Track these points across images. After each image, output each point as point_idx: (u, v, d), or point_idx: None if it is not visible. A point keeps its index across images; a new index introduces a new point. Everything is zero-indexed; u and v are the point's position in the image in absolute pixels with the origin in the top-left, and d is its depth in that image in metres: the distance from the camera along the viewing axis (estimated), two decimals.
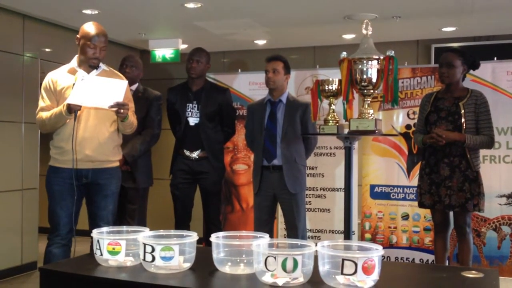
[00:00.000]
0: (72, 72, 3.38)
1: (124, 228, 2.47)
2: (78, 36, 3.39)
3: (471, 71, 3.96)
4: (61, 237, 3.36)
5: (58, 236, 3.36)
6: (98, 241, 2.26)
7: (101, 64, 3.45)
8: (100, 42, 3.34)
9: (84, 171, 3.35)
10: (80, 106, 3.19)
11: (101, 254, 2.25)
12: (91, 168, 3.36)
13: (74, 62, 3.44)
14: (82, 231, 3.55)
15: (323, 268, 1.96)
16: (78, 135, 3.28)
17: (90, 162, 3.35)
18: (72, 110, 3.17)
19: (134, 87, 4.26)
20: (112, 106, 3.22)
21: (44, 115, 3.32)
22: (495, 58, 4.76)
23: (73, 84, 3.19)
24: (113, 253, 2.24)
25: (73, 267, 2.30)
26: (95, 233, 2.31)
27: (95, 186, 3.41)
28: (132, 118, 3.43)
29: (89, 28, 3.36)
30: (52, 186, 3.37)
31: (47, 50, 5.51)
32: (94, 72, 3.38)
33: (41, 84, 5.41)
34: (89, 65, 3.37)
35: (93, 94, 3.17)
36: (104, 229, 2.42)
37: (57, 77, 3.37)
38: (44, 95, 3.37)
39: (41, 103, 3.38)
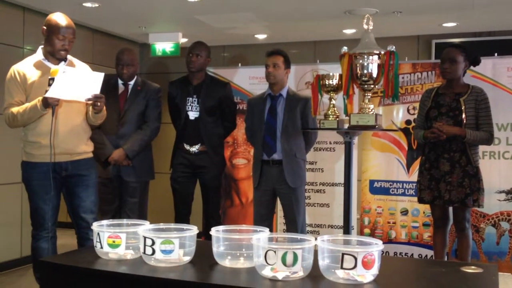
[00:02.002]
0: (39, 65, 3.31)
1: (124, 221, 2.47)
2: (44, 27, 3.32)
3: (472, 67, 3.96)
4: (47, 231, 3.37)
5: (44, 230, 3.37)
6: (98, 234, 2.26)
7: (68, 56, 3.41)
8: (69, 34, 3.28)
9: (63, 163, 3.35)
10: (58, 101, 3.11)
11: (101, 247, 2.25)
12: (69, 160, 3.36)
13: (39, 54, 3.36)
14: (60, 223, 3.57)
15: (323, 262, 1.97)
16: (54, 129, 3.23)
17: (68, 155, 3.35)
18: (50, 105, 3.10)
19: (132, 81, 4.23)
20: (89, 99, 3.18)
21: (15, 110, 3.23)
22: (496, 54, 4.76)
23: (49, 78, 3.06)
24: (113, 246, 2.24)
25: (73, 259, 2.29)
26: (95, 226, 2.31)
27: (76, 177, 3.41)
28: (104, 110, 3.40)
29: (58, 19, 3.29)
30: (31, 181, 3.35)
31: None
32: (63, 63, 3.31)
33: None
34: (56, 57, 3.32)
35: (71, 87, 3.09)
36: (104, 222, 2.42)
37: (24, 70, 3.28)
38: (11, 90, 3.27)
39: (8, 99, 3.28)
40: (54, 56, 3.32)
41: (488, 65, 4.63)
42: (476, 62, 3.86)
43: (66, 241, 3.62)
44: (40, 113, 3.18)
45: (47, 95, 3.05)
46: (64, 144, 3.31)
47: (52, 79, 3.03)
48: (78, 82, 3.12)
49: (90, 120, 3.44)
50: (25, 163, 3.39)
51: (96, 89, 3.17)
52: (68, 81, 3.06)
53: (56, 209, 3.42)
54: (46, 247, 3.36)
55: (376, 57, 3.15)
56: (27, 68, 3.30)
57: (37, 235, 3.39)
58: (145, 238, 2.15)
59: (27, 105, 3.20)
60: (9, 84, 3.29)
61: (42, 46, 3.39)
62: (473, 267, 2.13)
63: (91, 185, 3.47)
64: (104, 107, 3.38)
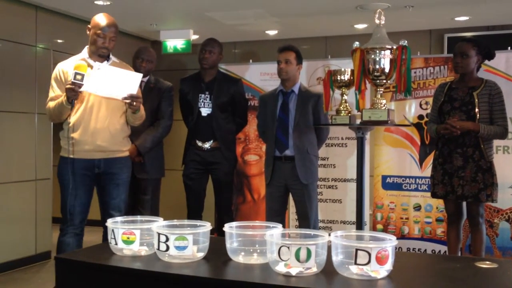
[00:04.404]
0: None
1: (139, 218, 2.48)
2: (89, 26, 3.43)
3: (486, 61, 3.92)
4: (74, 227, 3.41)
5: (71, 226, 3.40)
6: (112, 230, 2.28)
7: (111, 56, 3.49)
8: (110, 32, 3.37)
9: (96, 161, 3.40)
10: (77, 96, 3.19)
11: (116, 244, 2.27)
12: (103, 158, 3.41)
13: (85, 53, 3.46)
14: (93, 221, 3.60)
15: (337, 258, 1.97)
16: (90, 126, 3.33)
17: (101, 152, 3.40)
18: (70, 98, 3.18)
19: (145, 78, 4.27)
20: (125, 98, 3.26)
21: (51, 104, 3.36)
22: (509, 48, 4.71)
23: (75, 73, 3.15)
24: (128, 242, 2.26)
25: (88, 256, 2.32)
26: (109, 222, 2.33)
27: (107, 175, 3.45)
28: (142, 109, 3.48)
29: (99, 18, 3.39)
30: (63, 176, 3.40)
31: (59, 41, 5.54)
32: (106, 63, 3.41)
33: None
34: (98, 54, 3.40)
35: (107, 84, 3.19)
36: (119, 218, 2.44)
37: (67, 68, 3.38)
38: (54, 86, 3.40)
39: (50, 93, 3.41)
40: (97, 54, 3.40)
41: (501, 59, 4.57)
42: (490, 56, 3.83)
43: (96, 238, 3.64)
44: (66, 107, 3.25)
45: (83, 89, 3.17)
46: (98, 141, 3.36)
47: (79, 73, 3.13)
48: (114, 80, 3.21)
49: (129, 120, 3.51)
50: (61, 158, 3.45)
51: (133, 89, 3.26)
52: (104, 78, 3.17)
53: (85, 206, 3.45)
54: (71, 242, 3.39)
55: (388, 52, 3.15)
56: (71, 66, 3.38)
57: (64, 230, 3.43)
58: (159, 234, 2.16)
59: (58, 100, 3.30)
60: (52, 81, 3.43)
61: (88, 46, 3.46)
62: (487, 262, 2.12)
63: (121, 184, 3.50)
64: (142, 108, 3.45)
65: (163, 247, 2.15)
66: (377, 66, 3.16)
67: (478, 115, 3.65)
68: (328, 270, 1.98)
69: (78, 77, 3.14)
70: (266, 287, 1.88)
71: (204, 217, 4.40)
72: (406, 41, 3.15)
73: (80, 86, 3.16)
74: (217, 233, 4.47)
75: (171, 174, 5.03)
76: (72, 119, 3.35)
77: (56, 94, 3.37)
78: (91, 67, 3.29)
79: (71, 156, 3.36)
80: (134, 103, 3.29)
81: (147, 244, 2.30)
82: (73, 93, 3.16)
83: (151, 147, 4.18)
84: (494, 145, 3.82)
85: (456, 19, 5.51)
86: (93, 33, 3.38)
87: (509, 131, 4.04)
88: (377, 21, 3.26)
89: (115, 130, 3.43)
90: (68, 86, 3.17)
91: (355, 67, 3.22)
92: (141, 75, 3.33)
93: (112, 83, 3.21)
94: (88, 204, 3.47)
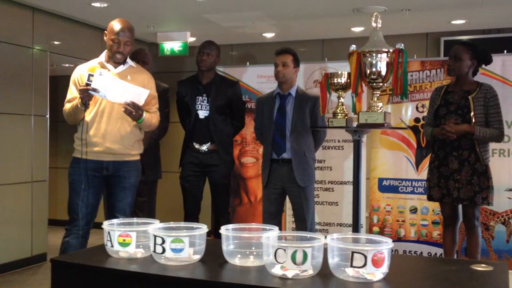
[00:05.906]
0: (100, 66, 3.42)
1: (135, 220, 2.48)
2: (105, 32, 3.45)
3: (483, 65, 3.93)
4: (78, 228, 3.41)
5: (76, 226, 3.41)
6: (109, 232, 2.28)
7: (128, 60, 3.49)
8: (124, 37, 3.37)
9: (105, 163, 3.41)
10: (91, 97, 3.22)
11: (112, 246, 2.27)
12: (111, 160, 3.42)
13: (103, 56, 3.49)
14: (100, 223, 3.59)
15: (333, 260, 1.97)
16: (101, 128, 3.35)
17: (111, 155, 3.41)
18: (83, 100, 3.22)
19: None
20: (128, 104, 3.24)
21: (67, 106, 3.40)
22: (505, 51, 4.73)
23: (89, 74, 3.21)
24: (124, 244, 2.26)
25: (84, 258, 2.31)
26: (105, 224, 2.33)
27: (115, 178, 3.46)
28: (149, 118, 3.43)
29: (114, 23, 3.41)
30: (71, 176, 3.43)
31: (56, 43, 5.53)
32: (121, 67, 3.42)
33: (50, 77, 5.49)
34: (114, 60, 3.42)
35: (110, 91, 3.21)
36: (115, 221, 2.44)
37: (84, 70, 3.41)
38: (72, 88, 3.44)
39: (68, 95, 3.45)
40: (112, 60, 3.43)
41: (497, 62, 4.59)
42: (487, 61, 3.83)
43: (102, 241, 3.64)
44: (80, 109, 3.29)
45: (92, 85, 3.19)
46: (108, 143, 3.37)
47: (92, 75, 3.18)
48: (117, 89, 3.22)
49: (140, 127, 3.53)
50: (72, 158, 3.47)
51: (139, 102, 3.27)
52: (107, 85, 3.18)
53: (93, 208, 3.45)
54: (74, 243, 3.39)
55: (384, 55, 3.15)
56: (87, 69, 3.40)
57: (68, 230, 3.44)
58: (155, 236, 2.16)
59: (73, 102, 3.34)
60: (71, 83, 3.47)
61: (106, 50, 3.49)
62: (483, 265, 2.12)
63: (128, 187, 3.50)
64: (151, 117, 3.44)
65: (159, 249, 2.15)
66: (374, 69, 3.16)
67: (473, 119, 3.66)
68: (324, 273, 1.98)
69: (92, 78, 3.17)
70: None
71: (200, 219, 4.40)
72: (402, 44, 3.15)
73: (93, 88, 3.19)
74: (214, 236, 4.46)
75: (168, 176, 5.03)
76: (85, 121, 3.37)
77: (73, 96, 3.40)
78: (108, 70, 3.36)
79: (81, 156, 3.37)
80: (134, 112, 3.27)
81: (143, 246, 2.29)
82: (86, 94, 3.19)
83: (147, 148, 4.17)
84: (490, 148, 3.83)
85: (453, 22, 5.53)
86: (108, 39, 3.40)
87: (505, 134, 4.06)
88: (373, 24, 3.26)
89: (126, 133, 3.43)
90: (82, 87, 3.21)
91: (352, 70, 3.22)
92: (148, 91, 3.30)
93: (115, 91, 3.22)
94: (96, 207, 3.48)
